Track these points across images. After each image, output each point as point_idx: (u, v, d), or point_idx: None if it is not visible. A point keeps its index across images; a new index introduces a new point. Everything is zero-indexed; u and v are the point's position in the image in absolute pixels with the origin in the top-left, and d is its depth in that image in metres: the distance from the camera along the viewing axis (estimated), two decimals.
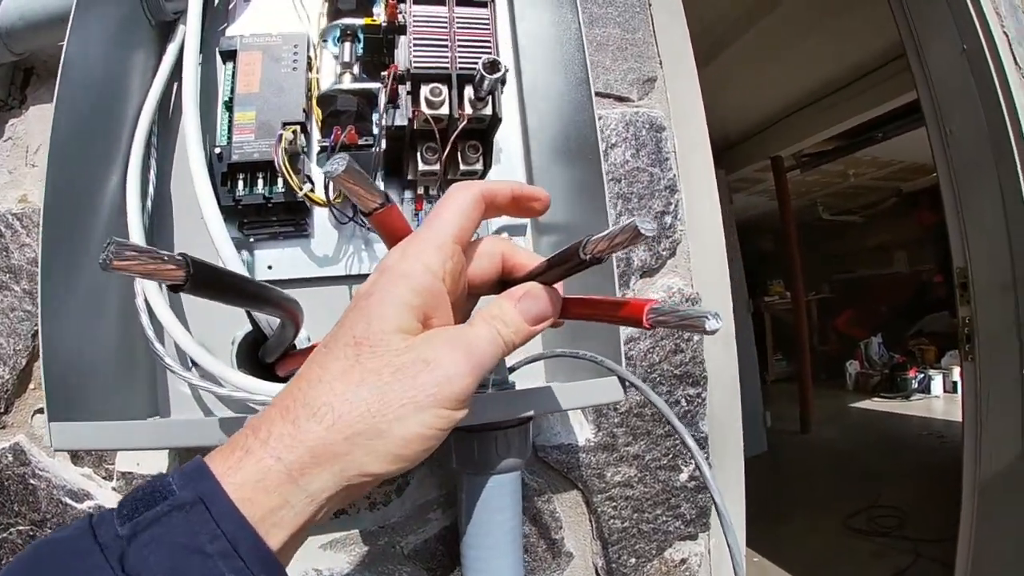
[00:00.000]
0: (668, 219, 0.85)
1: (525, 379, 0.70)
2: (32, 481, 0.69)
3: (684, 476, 0.83)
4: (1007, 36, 1.43)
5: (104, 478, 0.71)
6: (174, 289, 0.33)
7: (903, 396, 5.45)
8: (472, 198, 0.36)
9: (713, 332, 0.30)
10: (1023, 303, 1.38)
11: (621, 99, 0.87)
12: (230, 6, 0.75)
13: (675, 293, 0.84)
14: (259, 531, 0.27)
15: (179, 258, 0.32)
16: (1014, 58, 1.41)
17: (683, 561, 0.84)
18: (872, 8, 2.56)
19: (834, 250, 7.04)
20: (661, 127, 0.87)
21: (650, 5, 0.92)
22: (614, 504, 0.80)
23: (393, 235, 0.41)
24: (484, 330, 0.34)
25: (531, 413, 0.53)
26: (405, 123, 0.61)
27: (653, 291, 0.84)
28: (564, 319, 0.39)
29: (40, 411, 0.71)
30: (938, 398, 5.38)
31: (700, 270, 0.87)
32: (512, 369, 0.63)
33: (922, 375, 5.54)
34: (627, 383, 0.54)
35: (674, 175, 0.86)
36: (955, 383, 5.33)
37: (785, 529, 2.95)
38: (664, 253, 0.84)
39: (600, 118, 0.81)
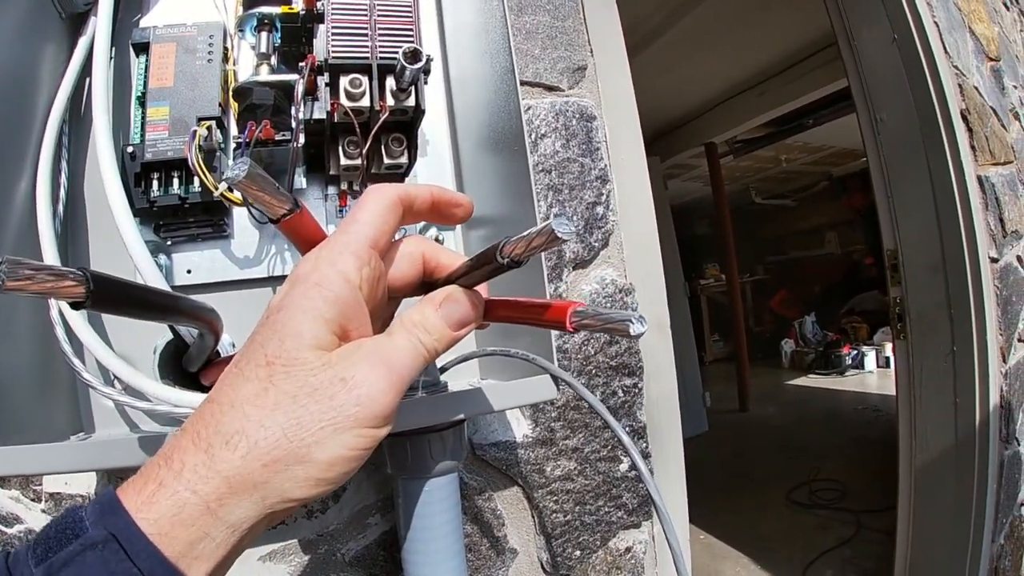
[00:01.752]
0: (600, 210, 0.84)
1: (458, 377, 0.68)
2: None
3: (624, 466, 0.83)
4: (937, 25, 1.48)
5: (33, 500, 0.66)
6: (75, 306, 0.31)
7: (837, 372, 5.67)
8: (389, 202, 0.34)
9: (638, 336, 0.29)
10: (952, 282, 1.45)
11: (551, 88, 0.85)
12: None
13: (609, 284, 0.84)
14: (180, 566, 0.25)
15: (79, 273, 0.30)
16: (943, 47, 1.47)
17: (628, 550, 0.85)
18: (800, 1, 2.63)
19: (767, 233, 7.24)
20: (592, 116, 0.86)
21: None
22: (555, 498, 0.79)
23: (305, 241, 0.39)
24: (404, 340, 0.32)
25: (462, 416, 0.52)
26: (324, 116, 0.59)
27: (587, 283, 0.83)
28: (488, 321, 0.38)
29: None
30: (872, 373, 5.60)
31: (633, 260, 0.86)
32: (443, 369, 0.62)
33: (855, 351, 5.76)
34: (560, 380, 0.54)
35: (605, 165, 0.86)
36: (888, 358, 5.56)
37: (730, 506, 3.03)
38: (597, 244, 0.84)
39: (529, 108, 0.80)
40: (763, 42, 3.27)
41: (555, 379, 0.54)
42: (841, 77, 3.25)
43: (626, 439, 0.49)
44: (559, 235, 0.28)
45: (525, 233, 0.30)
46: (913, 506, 1.61)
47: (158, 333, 0.63)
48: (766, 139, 4.72)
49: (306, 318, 0.29)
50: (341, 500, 0.71)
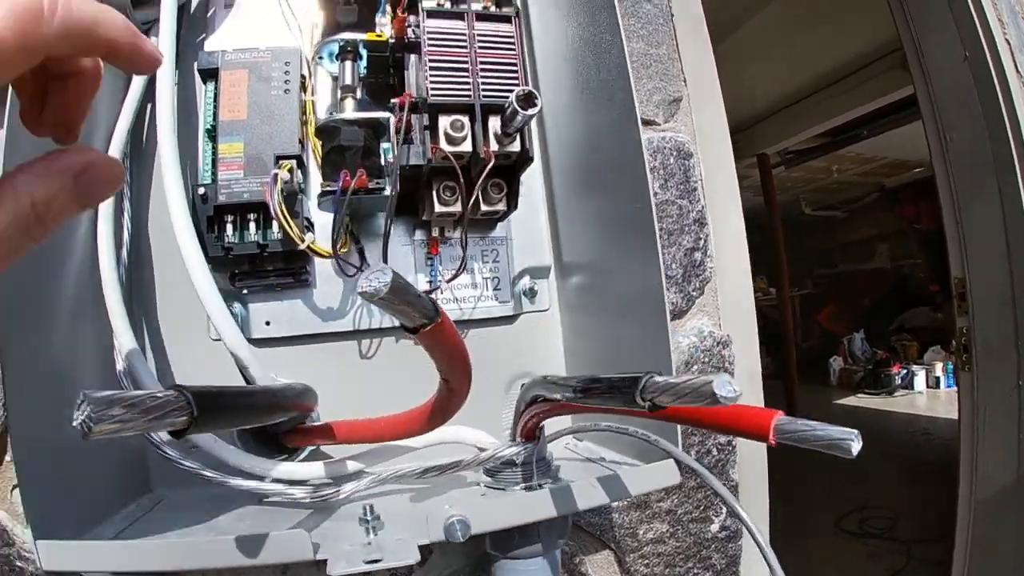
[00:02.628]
0: (698, 256, 0.78)
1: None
2: (19, 563, 0.59)
3: (715, 527, 0.77)
4: (1009, 43, 1.40)
5: None
6: (176, 435, 0.26)
7: (887, 392, 5.46)
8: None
9: (854, 455, 0.26)
10: (1021, 314, 1.36)
11: (647, 123, 0.79)
12: (208, 14, 0.66)
13: (707, 337, 0.77)
14: None
15: (178, 398, 0.25)
16: (1015, 65, 1.38)
17: None
18: (861, 6, 2.54)
19: (816, 245, 7.05)
20: (689, 153, 0.80)
21: (672, 16, 0.84)
22: (646, 561, 0.73)
23: (443, 352, 0.34)
24: None
25: (578, 508, 0.46)
26: (422, 162, 0.54)
27: (684, 335, 0.77)
28: (665, 420, 0.33)
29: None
30: (921, 394, 5.40)
31: (727, 308, 0.80)
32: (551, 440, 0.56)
33: (905, 371, 5.55)
34: (684, 466, 0.48)
35: (703, 207, 0.79)
36: (938, 379, 5.39)
37: (777, 532, 2.93)
38: (694, 293, 0.77)
39: None
40: (819, 52, 3.18)
41: (678, 464, 0.48)
42: (898, 88, 3.17)
43: (754, 530, 0.43)
44: (720, 397, 0.24)
45: (674, 383, 0.26)
46: (970, 544, 1.52)
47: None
48: (819, 150, 4.59)
49: None
50: (427, 565, 0.66)
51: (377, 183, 0.55)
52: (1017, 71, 1.39)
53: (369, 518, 0.45)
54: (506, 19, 0.56)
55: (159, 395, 0.24)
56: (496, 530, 0.46)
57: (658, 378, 0.26)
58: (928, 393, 5.39)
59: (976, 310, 1.50)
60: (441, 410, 0.43)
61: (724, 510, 0.77)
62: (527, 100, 0.49)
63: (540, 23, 0.69)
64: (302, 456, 0.58)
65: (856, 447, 0.26)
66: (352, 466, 0.55)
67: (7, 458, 0.60)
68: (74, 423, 0.21)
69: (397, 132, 0.55)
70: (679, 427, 0.49)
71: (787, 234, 5.11)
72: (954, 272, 1.56)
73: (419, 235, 0.64)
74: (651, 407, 0.26)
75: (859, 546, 2.79)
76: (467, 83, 0.54)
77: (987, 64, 1.36)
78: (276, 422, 0.55)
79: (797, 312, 6.82)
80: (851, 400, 5.50)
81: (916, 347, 5.84)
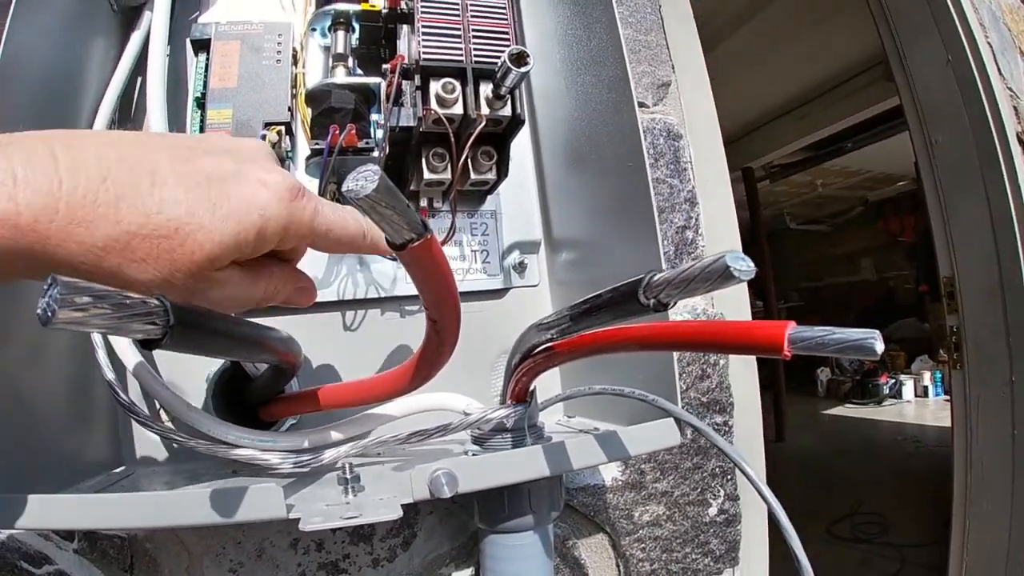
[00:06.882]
0: (689, 234, 0.78)
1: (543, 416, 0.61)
2: None
3: (713, 510, 0.76)
4: (991, 46, 1.42)
5: (64, 538, 0.59)
6: (147, 345, 0.25)
7: (875, 402, 5.49)
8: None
9: (879, 354, 0.23)
10: (1011, 310, 1.37)
11: (638, 104, 0.80)
12: None
13: (700, 314, 0.77)
14: None
15: (155, 304, 0.24)
16: (998, 68, 1.41)
17: None
18: (847, 20, 2.57)
19: (801, 259, 7.10)
20: (678, 135, 0.80)
21: (660, 6, 0.86)
22: (643, 545, 0.72)
23: (430, 277, 0.33)
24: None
25: (573, 467, 0.45)
26: (413, 124, 0.53)
27: (675, 312, 0.76)
28: (666, 348, 0.32)
29: None
30: (909, 403, 5.44)
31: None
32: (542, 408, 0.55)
33: (893, 381, 5.60)
34: (684, 424, 0.47)
35: (693, 187, 0.79)
36: (926, 388, 5.43)
37: (769, 538, 2.91)
38: None
39: None
40: (803, 65, 3.21)
41: (678, 423, 0.47)
42: (882, 100, 3.19)
43: (773, 501, 0.42)
44: (735, 271, 0.22)
45: (680, 269, 0.24)
46: (968, 541, 1.52)
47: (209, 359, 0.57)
48: (803, 163, 4.64)
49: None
50: (411, 548, 0.64)
51: (367, 142, 0.54)
52: (1000, 73, 1.41)
53: (348, 477, 0.43)
54: None
55: (129, 295, 0.23)
56: (485, 490, 0.43)
57: (660, 274, 0.25)
58: (916, 402, 5.43)
59: (966, 308, 1.52)
60: (429, 359, 0.41)
61: (722, 493, 0.76)
62: (519, 58, 0.48)
63: (529, 6, 0.69)
64: (282, 430, 0.57)
65: (879, 346, 0.23)
66: (334, 436, 0.53)
67: None
68: (37, 310, 0.20)
69: (388, 97, 0.54)
70: (678, 387, 0.47)
71: (772, 247, 5.14)
72: (943, 271, 1.58)
73: None
74: (655, 305, 0.25)
75: (851, 551, 2.78)
76: (459, 48, 0.53)
77: (970, 67, 1.39)
78: (258, 402, 0.54)
79: None
80: (839, 410, 5.52)
81: (904, 357, 5.88)
